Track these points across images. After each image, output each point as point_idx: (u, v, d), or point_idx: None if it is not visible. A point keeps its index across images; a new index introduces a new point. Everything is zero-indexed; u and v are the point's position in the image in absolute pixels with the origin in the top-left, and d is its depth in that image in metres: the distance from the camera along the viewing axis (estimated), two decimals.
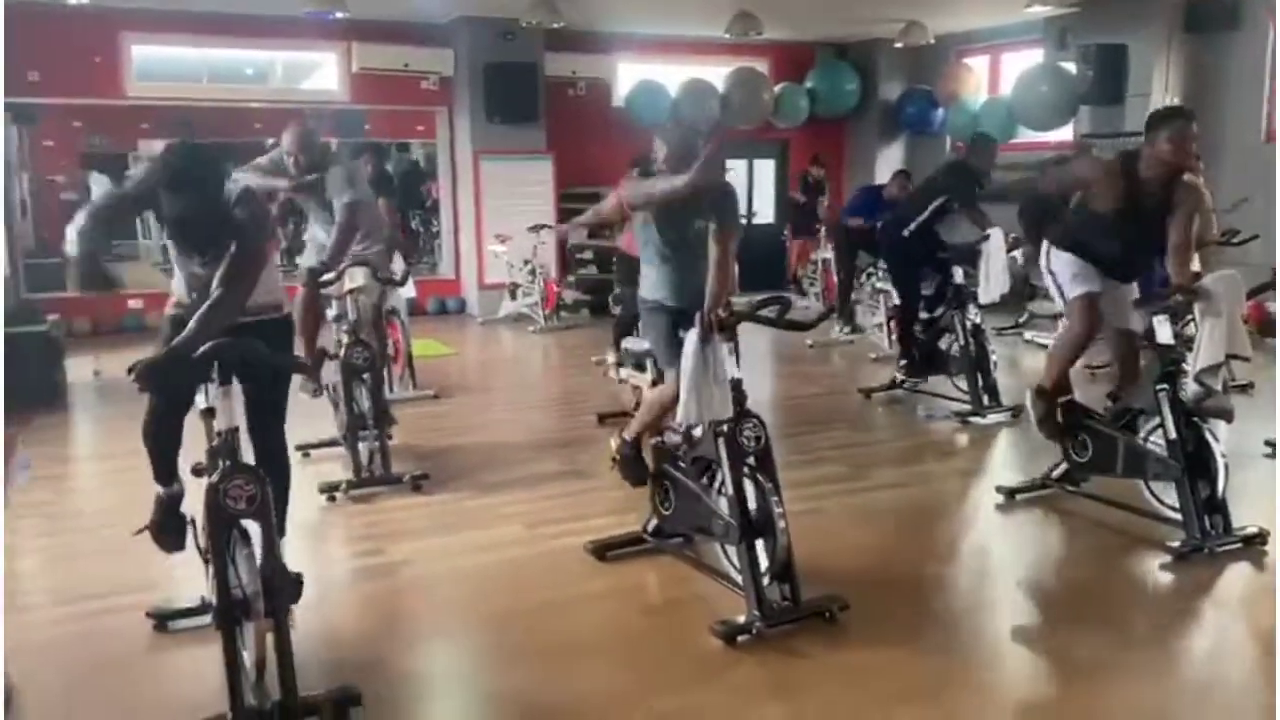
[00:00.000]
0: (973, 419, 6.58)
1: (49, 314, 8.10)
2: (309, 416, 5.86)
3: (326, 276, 5.40)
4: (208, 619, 3.20)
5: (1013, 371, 7.91)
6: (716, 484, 3.83)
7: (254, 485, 3.01)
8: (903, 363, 7.33)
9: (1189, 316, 4.70)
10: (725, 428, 3.67)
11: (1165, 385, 4.35)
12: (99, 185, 13.10)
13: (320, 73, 11.70)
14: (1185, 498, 4.31)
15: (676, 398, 3.95)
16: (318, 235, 5.78)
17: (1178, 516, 4.38)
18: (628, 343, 4.68)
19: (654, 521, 4.28)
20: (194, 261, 3.51)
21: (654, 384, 4.47)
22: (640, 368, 4.63)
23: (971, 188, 6.93)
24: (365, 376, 5.34)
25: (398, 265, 6.72)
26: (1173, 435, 4.32)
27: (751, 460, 3.68)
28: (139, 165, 11.95)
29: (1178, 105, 4.60)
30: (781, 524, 3.57)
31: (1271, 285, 5.13)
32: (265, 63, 11.84)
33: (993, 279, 6.69)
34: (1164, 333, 4.40)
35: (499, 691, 3.36)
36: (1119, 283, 4.68)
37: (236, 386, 3.20)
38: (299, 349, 5.13)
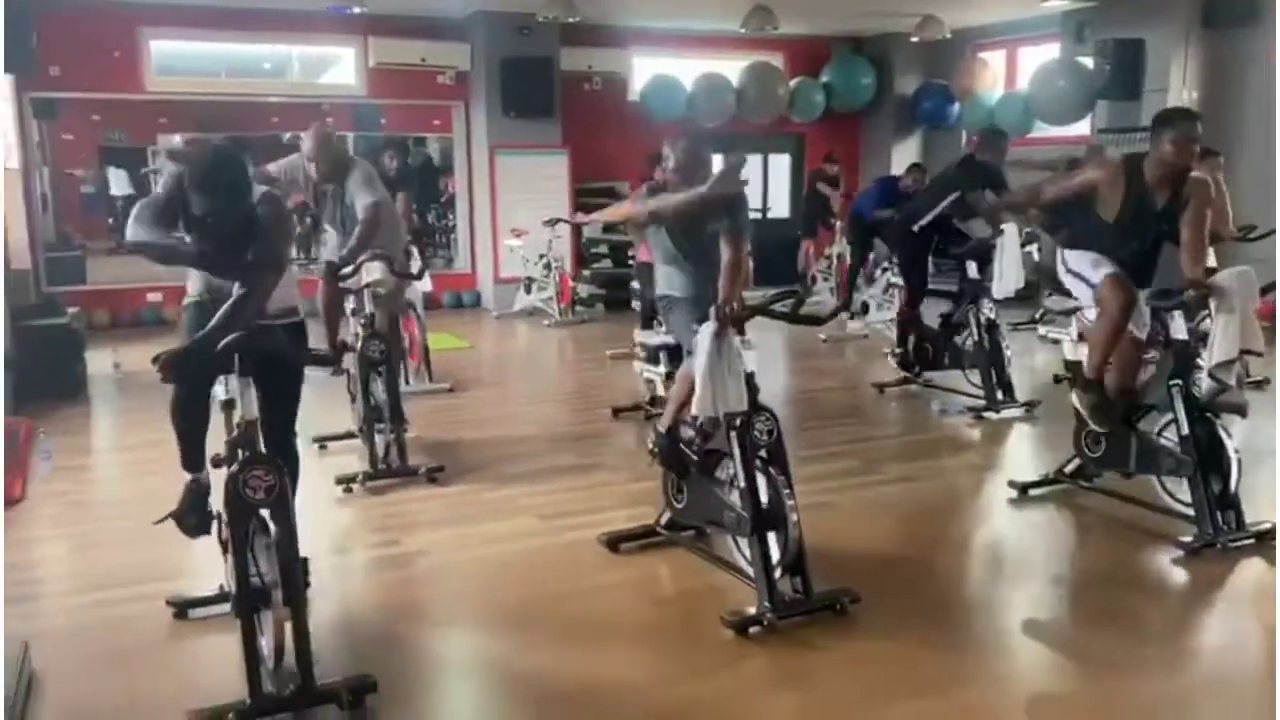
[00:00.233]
0: (987, 414, 6.59)
1: (69, 307, 8.20)
2: (326, 410, 5.93)
3: (345, 270, 5.45)
4: (227, 607, 3.27)
5: (1027, 367, 7.90)
6: (728, 477, 3.86)
7: (273, 476, 3.07)
8: (897, 350, 7.34)
9: (1204, 312, 4.68)
10: (738, 421, 3.69)
11: (1179, 380, 4.35)
12: (117, 179, 13.21)
13: (338, 67, 11.76)
14: (1198, 493, 4.31)
15: None
16: (332, 238, 5.80)
17: (1191, 512, 4.37)
18: (641, 337, 4.71)
19: (667, 514, 4.32)
20: (215, 265, 3.53)
21: (668, 376, 4.49)
22: (654, 360, 4.65)
23: (983, 183, 6.92)
24: (381, 369, 5.39)
25: (413, 259, 6.76)
26: (1186, 431, 4.32)
27: (763, 453, 3.71)
28: (158, 160, 12.09)
29: (1182, 106, 4.57)
30: (793, 517, 3.60)
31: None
32: (283, 57, 11.91)
33: (1007, 274, 6.68)
34: (1177, 328, 4.40)
35: (512, 679, 3.40)
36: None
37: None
38: (322, 341, 5.21)
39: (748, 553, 3.75)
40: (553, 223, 10.40)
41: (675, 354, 4.42)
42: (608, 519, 4.57)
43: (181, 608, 3.68)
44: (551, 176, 11.41)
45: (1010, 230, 6.75)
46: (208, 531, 3.65)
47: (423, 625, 3.78)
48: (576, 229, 11.19)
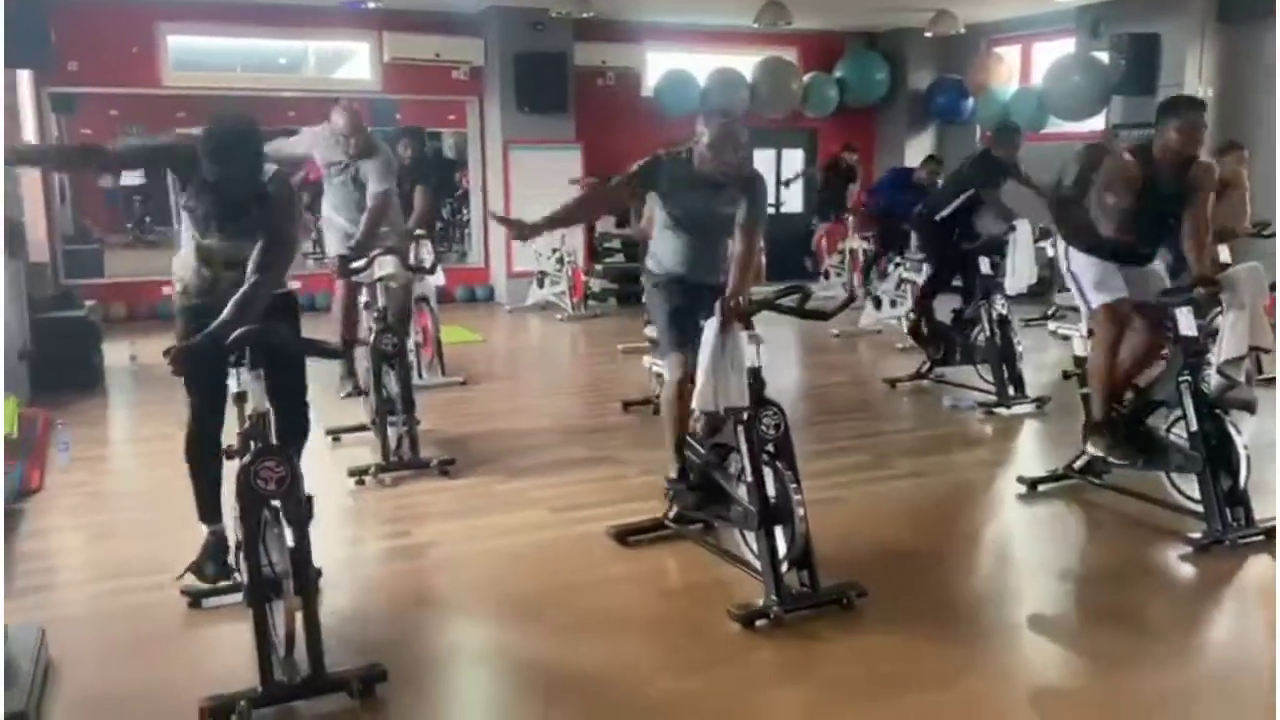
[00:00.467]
0: (998, 409, 6.59)
1: (87, 299, 8.28)
2: (340, 403, 6.00)
3: (358, 264, 5.51)
4: (239, 597, 3.31)
5: (1039, 362, 7.89)
6: (736, 471, 3.88)
7: (284, 467, 3.11)
8: (912, 316, 7.32)
9: (1216, 310, 4.68)
10: (745, 415, 3.72)
11: (1188, 377, 4.35)
12: (133, 173, 13.31)
13: (353, 62, 11.82)
14: (1207, 490, 4.31)
15: (684, 382, 3.99)
16: (336, 221, 5.86)
17: (1200, 508, 4.37)
18: (650, 330, 4.73)
19: (675, 508, 4.34)
20: (211, 233, 3.52)
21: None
22: (663, 355, 4.67)
23: (996, 179, 6.92)
24: (394, 363, 5.43)
25: (426, 253, 6.82)
26: (1194, 427, 4.32)
27: (771, 448, 3.73)
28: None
29: (1188, 95, 4.56)
30: (800, 511, 3.61)
31: None
32: (298, 52, 11.98)
33: (1019, 269, 6.69)
34: (1186, 324, 4.39)
35: (521, 669, 3.44)
36: (1138, 265, 4.66)
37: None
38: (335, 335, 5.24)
39: (755, 546, 3.77)
40: None
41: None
42: (617, 511, 4.59)
43: (195, 597, 3.73)
44: (565, 172, 11.41)
45: (1023, 226, 6.75)
46: (227, 578, 3.65)
47: (433, 615, 3.82)
48: (589, 224, 11.23)
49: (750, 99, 12.18)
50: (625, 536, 4.34)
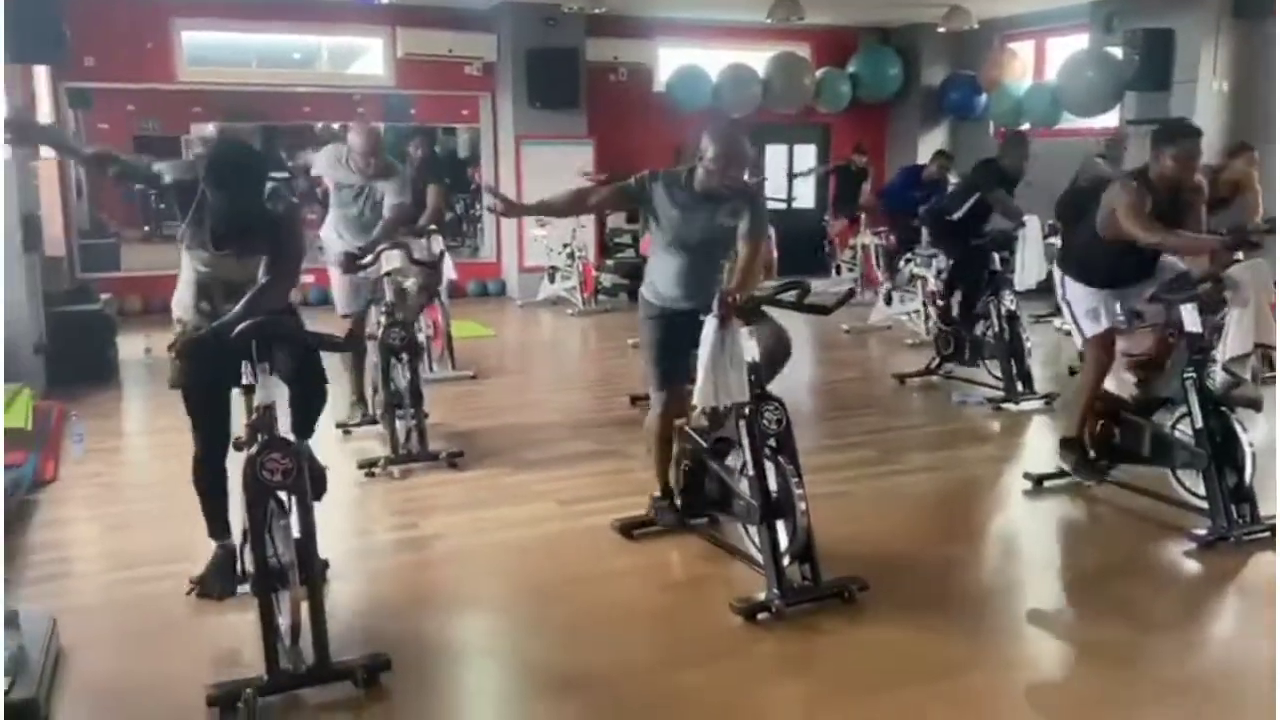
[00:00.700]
0: (1006, 405, 6.59)
1: (102, 293, 8.36)
2: (349, 395, 6.04)
3: (364, 260, 5.56)
4: (246, 587, 3.35)
5: (1047, 358, 7.88)
6: (738, 465, 3.91)
7: (289, 459, 3.15)
8: (943, 327, 7.31)
9: (1225, 310, 4.68)
10: (746, 410, 3.74)
11: (1192, 373, 4.35)
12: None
13: (366, 58, 11.87)
14: (1212, 486, 4.31)
15: (668, 416, 4.10)
16: (337, 245, 5.86)
17: (1205, 505, 4.38)
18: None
19: (679, 502, 4.37)
20: (212, 251, 3.54)
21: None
22: (649, 388, 4.71)
23: (1002, 186, 6.92)
24: (402, 356, 5.47)
25: (435, 247, 6.86)
26: (1200, 424, 4.32)
27: (772, 442, 3.75)
28: (192, 151, 12.26)
29: (1186, 123, 4.57)
30: (801, 505, 3.63)
31: None
32: (312, 48, 12.03)
33: (1029, 265, 6.69)
34: (1191, 320, 4.39)
35: (524, 660, 3.48)
36: (1136, 285, 4.70)
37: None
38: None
39: (757, 540, 3.80)
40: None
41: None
42: (623, 505, 4.61)
43: None
44: (576, 167, 11.44)
45: (1033, 222, 6.74)
46: (233, 594, 3.67)
47: (438, 606, 3.86)
48: (600, 219, 11.26)
49: (763, 94, 12.18)
50: (630, 530, 4.38)
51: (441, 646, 3.54)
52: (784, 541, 3.70)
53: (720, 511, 4.19)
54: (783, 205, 13.12)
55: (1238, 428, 4.31)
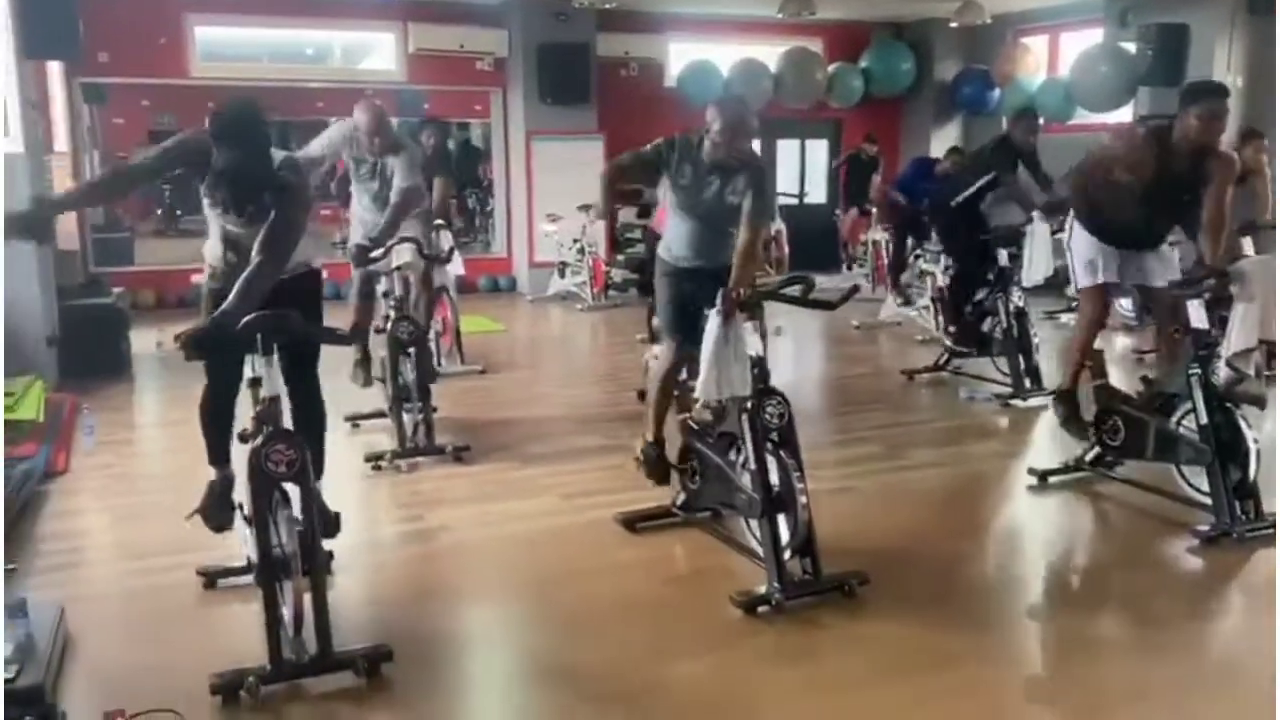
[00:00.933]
0: (1013, 401, 6.59)
1: (116, 287, 8.43)
2: (357, 390, 6.08)
3: (375, 253, 5.59)
4: (251, 578, 3.39)
5: (1056, 355, 7.85)
6: (741, 459, 3.93)
7: (294, 450, 3.19)
8: (951, 329, 7.32)
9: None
10: (748, 404, 3.76)
11: (1197, 369, 4.35)
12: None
13: (378, 53, 11.91)
14: (1216, 483, 4.31)
15: (675, 368, 4.09)
16: (362, 214, 5.95)
17: (1209, 501, 4.37)
18: (657, 321, 4.79)
19: (682, 496, 4.39)
20: (231, 218, 3.63)
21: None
22: (661, 337, 4.72)
23: (1015, 162, 6.91)
24: (410, 351, 5.51)
25: (445, 242, 6.89)
26: (1204, 420, 4.32)
27: (774, 437, 3.77)
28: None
29: (1213, 81, 4.54)
30: (803, 500, 3.65)
31: None
32: (324, 43, 12.08)
33: (1037, 261, 6.67)
34: (1197, 316, 4.38)
35: (525, 650, 3.52)
36: (1137, 251, 4.67)
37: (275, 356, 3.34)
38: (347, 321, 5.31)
39: (759, 534, 3.82)
40: (587, 208, 10.49)
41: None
42: (628, 499, 4.63)
43: (211, 577, 3.81)
44: (587, 162, 11.43)
45: (1040, 218, 6.72)
46: (230, 527, 3.77)
47: (442, 598, 3.89)
48: (611, 215, 11.26)
49: (775, 89, 12.17)
50: (633, 523, 4.40)
51: (444, 637, 3.57)
52: (785, 535, 3.72)
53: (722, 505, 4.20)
54: (794, 200, 13.11)
55: (1242, 424, 4.31)
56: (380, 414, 5.91)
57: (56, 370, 6.91)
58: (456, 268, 7.12)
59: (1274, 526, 4.26)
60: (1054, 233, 6.89)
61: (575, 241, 10.88)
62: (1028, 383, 6.65)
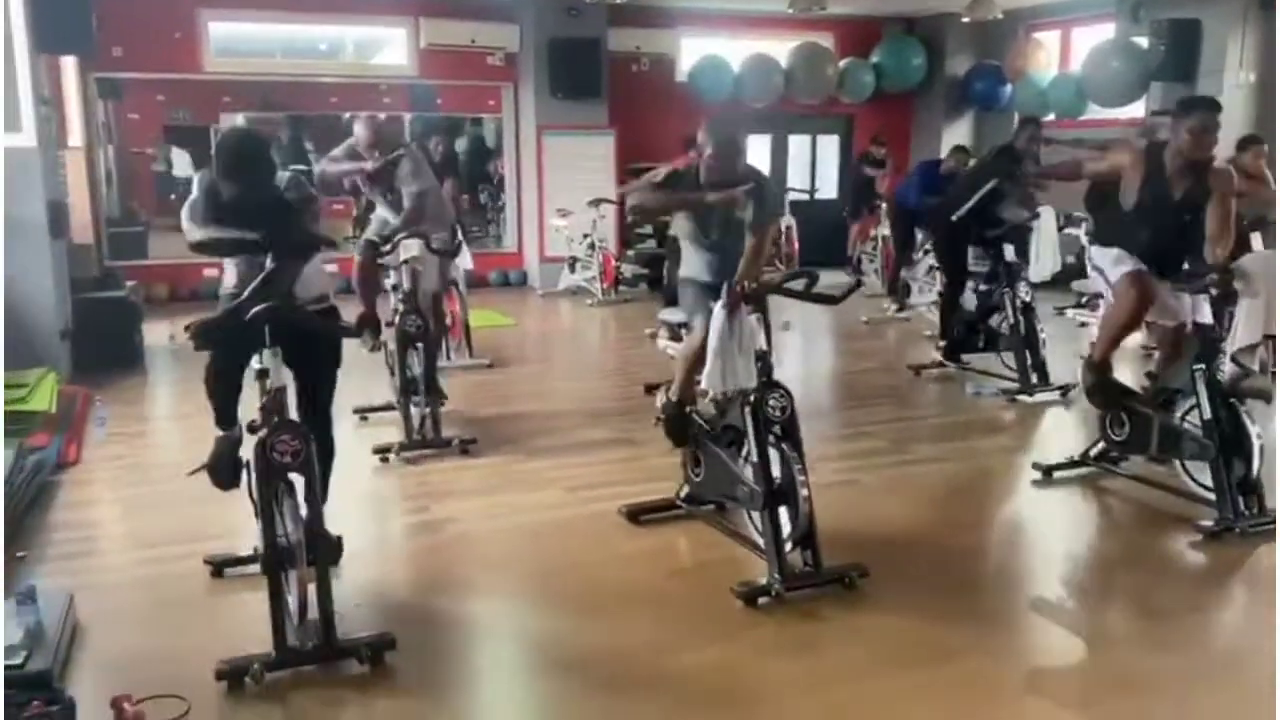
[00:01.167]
0: (1020, 397, 6.59)
1: (129, 280, 8.49)
2: (366, 382, 6.12)
3: (384, 248, 5.65)
4: (258, 567, 3.43)
5: (1063, 350, 7.85)
6: (743, 452, 3.95)
7: (299, 441, 3.23)
8: (941, 343, 7.34)
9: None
10: (751, 397, 3.78)
11: (1202, 365, 4.35)
12: (180, 158, 13.58)
13: (390, 48, 11.95)
14: (1219, 478, 4.31)
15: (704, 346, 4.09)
16: (384, 217, 6.04)
17: (1212, 496, 4.38)
18: (664, 314, 4.82)
19: (686, 488, 4.42)
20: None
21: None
22: (676, 338, 4.74)
23: (1017, 170, 6.89)
24: (418, 344, 5.55)
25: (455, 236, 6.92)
26: (1208, 415, 4.32)
27: (777, 429, 3.79)
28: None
29: (1205, 96, 4.54)
30: (804, 492, 3.68)
31: None
32: (337, 38, 12.13)
33: (1043, 257, 6.68)
34: (1203, 312, 4.38)
35: (528, 642, 3.55)
36: (1162, 276, 4.66)
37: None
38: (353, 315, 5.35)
39: (760, 526, 3.84)
40: (597, 203, 10.54)
41: None
42: (633, 491, 4.67)
43: (218, 566, 3.87)
44: (598, 157, 11.49)
45: (1047, 213, 6.73)
46: (237, 485, 3.80)
47: (446, 589, 3.93)
48: (621, 209, 11.29)
49: (785, 85, 12.16)
50: (637, 515, 4.43)
51: (449, 627, 3.61)
52: (787, 528, 3.74)
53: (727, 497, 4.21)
54: (805, 196, 13.11)
55: (1246, 419, 4.31)
56: (389, 407, 5.95)
57: (70, 363, 6.98)
58: (465, 261, 7.15)
59: (1276, 521, 4.26)
60: (1061, 228, 6.90)
61: (585, 236, 10.90)
62: (1034, 378, 6.65)
